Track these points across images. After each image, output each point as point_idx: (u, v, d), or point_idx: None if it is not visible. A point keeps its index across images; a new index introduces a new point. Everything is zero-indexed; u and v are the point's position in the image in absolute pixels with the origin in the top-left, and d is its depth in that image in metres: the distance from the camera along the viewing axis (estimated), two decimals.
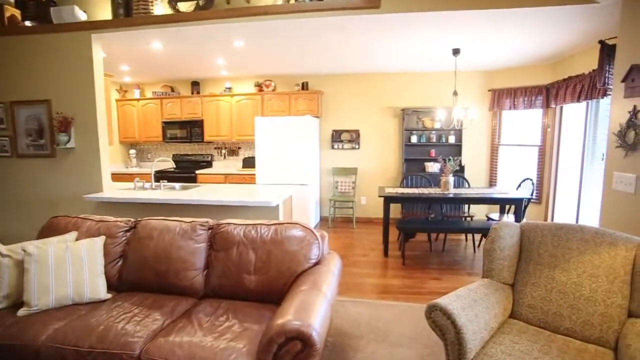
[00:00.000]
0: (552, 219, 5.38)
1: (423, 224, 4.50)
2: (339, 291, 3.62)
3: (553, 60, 5.18)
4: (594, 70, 4.18)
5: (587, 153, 4.54)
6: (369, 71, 6.13)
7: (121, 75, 6.22)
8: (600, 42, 3.08)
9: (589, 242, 2.11)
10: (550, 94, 5.23)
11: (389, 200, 4.59)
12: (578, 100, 4.48)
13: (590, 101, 4.45)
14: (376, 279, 3.98)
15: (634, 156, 2.62)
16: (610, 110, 2.86)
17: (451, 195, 4.47)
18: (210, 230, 2.54)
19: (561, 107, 5.17)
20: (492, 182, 6.09)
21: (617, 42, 2.80)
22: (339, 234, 5.81)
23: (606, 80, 3.10)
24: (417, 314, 3.11)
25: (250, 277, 2.33)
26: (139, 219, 2.68)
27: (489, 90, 5.96)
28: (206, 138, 6.61)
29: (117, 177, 6.37)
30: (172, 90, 6.84)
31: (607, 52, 3.01)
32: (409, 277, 4.03)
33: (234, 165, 6.90)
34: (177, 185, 4.43)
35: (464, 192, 4.68)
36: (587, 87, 4.26)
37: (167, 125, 6.68)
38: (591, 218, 4.48)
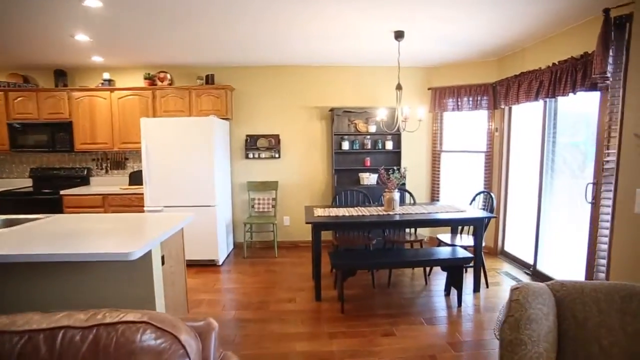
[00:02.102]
0: (504, 239, 4.72)
1: (366, 259, 3.44)
2: None
3: (500, 55, 4.53)
4: (554, 64, 3.53)
5: (547, 160, 3.89)
6: (290, 63, 5.02)
7: None
8: (605, 11, 2.32)
9: None
10: (498, 93, 4.57)
11: (319, 227, 3.48)
12: (535, 99, 3.82)
13: (549, 100, 3.82)
14: (308, 343, 2.82)
15: None
16: (624, 102, 2.06)
17: (398, 218, 3.50)
18: None
19: (510, 108, 4.54)
20: (434, 195, 5.32)
21: (635, 9, 2.01)
22: (258, 266, 4.56)
23: (606, 66, 2.33)
24: None
25: None
26: None
27: (428, 89, 5.20)
28: (77, 146, 4.94)
29: None
30: (26, 81, 5.05)
31: (613, 26, 2.24)
32: (353, 333, 2.93)
33: (119, 181, 5.30)
34: None
35: (412, 211, 3.75)
36: (548, 83, 3.59)
37: (18, 128, 4.87)
38: (556, 240, 3.82)
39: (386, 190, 3.79)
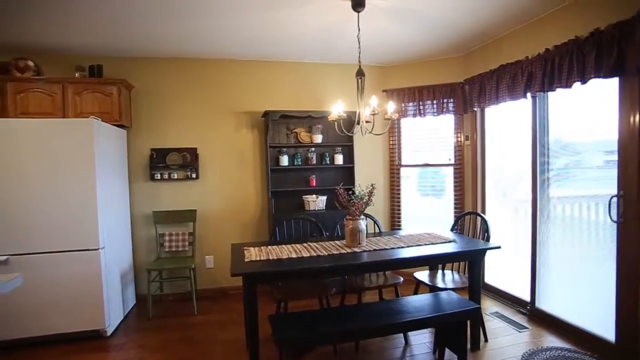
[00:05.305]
0: (484, 269, 3.85)
1: (326, 324, 2.23)
2: None
3: (468, 49, 3.80)
4: (548, 50, 2.81)
5: (541, 169, 3.12)
6: (212, 55, 3.85)
7: None
8: None
9: None
10: (468, 94, 3.80)
11: (254, 279, 2.28)
12: (523, 95, 3.06)
13: (539, 96, 3.09)
14: None
15: None
16: None
17: (367, 258, 2.43)
18: None
19: (483, 111, 3.79)
20: (394, 220, 4.37)
21: None
22: (168, 332, 3.17)
23: None
24: None
25: None
26: None
27: (383, 91, 4.31)
28: None
29: None
30: None
31: None
32: None
33: None
34: None
35: (384, 244, 2.70)
36: (542, 73, 2.84)
37: None
38: (562, 270, 3.00)
39: (347, 217, 2.71)
